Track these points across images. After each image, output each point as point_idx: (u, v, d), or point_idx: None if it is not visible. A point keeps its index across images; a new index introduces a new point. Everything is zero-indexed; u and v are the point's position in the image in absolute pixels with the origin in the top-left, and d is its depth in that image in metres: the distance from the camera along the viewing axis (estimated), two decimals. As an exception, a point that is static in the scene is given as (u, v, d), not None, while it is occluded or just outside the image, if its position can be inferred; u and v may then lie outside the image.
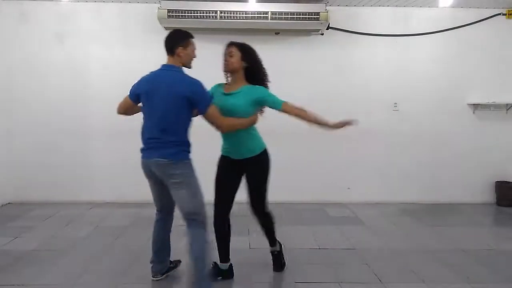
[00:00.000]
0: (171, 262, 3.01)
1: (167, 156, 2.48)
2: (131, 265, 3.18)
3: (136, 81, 2.66)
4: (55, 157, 4.97)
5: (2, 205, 4.85)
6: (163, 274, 2.93)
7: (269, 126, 5.01)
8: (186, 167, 2.55)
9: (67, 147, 4.96)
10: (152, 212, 4.56)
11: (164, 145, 2.50)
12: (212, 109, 2.52)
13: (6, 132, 4.88)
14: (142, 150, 2.63)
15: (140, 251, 3.42)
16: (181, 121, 2.54)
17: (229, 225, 2.93)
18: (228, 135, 2.76)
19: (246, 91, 2.73)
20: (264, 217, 2.98)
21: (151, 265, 2.90)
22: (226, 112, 2.62)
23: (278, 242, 3.14)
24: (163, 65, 2.60)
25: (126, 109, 2.76)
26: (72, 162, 5.00)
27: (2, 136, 4.86)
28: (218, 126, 2.60)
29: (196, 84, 2.50)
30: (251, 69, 2.82)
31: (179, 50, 2.55)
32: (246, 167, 2.84)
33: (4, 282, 2.84)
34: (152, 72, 2.62)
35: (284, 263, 3.14)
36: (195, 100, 2.47)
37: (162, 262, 2.91)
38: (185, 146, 2.58)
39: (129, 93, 2.67)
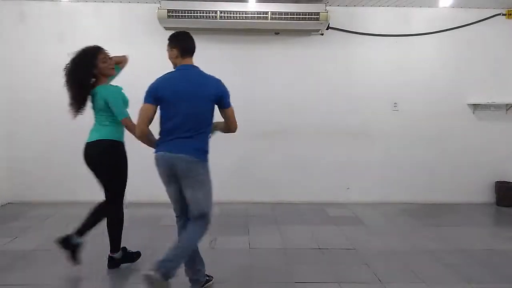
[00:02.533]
0: (207, 275, 2.82)
1: (196, 154, 2.49)
2: (131, 265, 3.17)
3: (152, 85, 2.56)
4: (55, 157, 4.97)
5: (2, 205, 4.85)
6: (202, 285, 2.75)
7: (269, 127, 5.05)
8: (206, 168, 2.59)
9: (67, 147, 4.95)
10: (151, 212, 4.58)
11: (192, 143, 2.50)
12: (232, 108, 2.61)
13: (6, 132, 4.88)
14: (164, 145, 2.54)
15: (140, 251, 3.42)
16: (209, 120, 2.58)
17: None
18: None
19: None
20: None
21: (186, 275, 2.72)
22: None
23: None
24: (185, 65, 2.59)
25: (149, 120, 2.53)
26: (72, 162, 4.97)
27: (2, 136, 4.86)
28: (234, 125, 2.68)
29: (221, 82, 2.59)
30: None
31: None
32: None
33: (4, 282, 2.84)
34: (170, 73, 2.61)
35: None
36: (222, 97, 2.55)
37: (198, 271, 2.70)
38: (207, 147, 2.60)
39: (147, 99, 2.53)
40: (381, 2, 4.78)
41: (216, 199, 4.92)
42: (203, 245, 3.56)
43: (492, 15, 5.00)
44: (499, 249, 3.62)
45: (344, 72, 5.03)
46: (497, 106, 5.12)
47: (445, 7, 4.91)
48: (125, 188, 3.06)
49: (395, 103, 5.10)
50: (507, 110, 5.14)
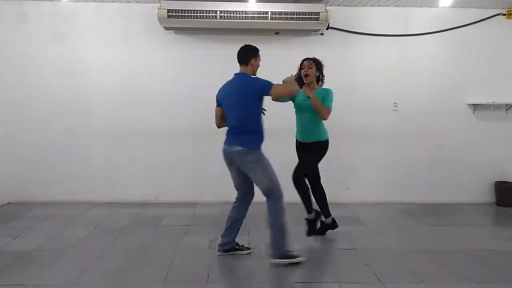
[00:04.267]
0: (237, 244, 3.39)
1: (243, 144, 3.10)
2: (130, 265, 3.17)
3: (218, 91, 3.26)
4: (55, 157, 4.97)
5: (2, 205, 4.85)
6: (225, 251, 3.33)
7: (270, 127, 5.04)
8: (258, 154, 3.17)
9: (67, 147, 4.96)
10: (152, 213, 4.59)
11: (238, 136, 3.15)
12: (274, 88, 3.06)
13: (6, 132, 4.88)
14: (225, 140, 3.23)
15: (140, 251, 3.42)
16: (252, 114, 3.15)
17: (306, 186, 3.83)
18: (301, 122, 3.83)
19: (319, 94, 3.60)
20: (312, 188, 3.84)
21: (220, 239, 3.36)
22: (306, 109, 3.66)
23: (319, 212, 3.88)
24: (236, 73, 3.20)
25: (221, 117, 3.29)
26: (72, 162, 5.00)
27: (2, 136, 4.86)
28: (287, 93, 3.29)
29: (256, 79, 3.13)
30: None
31: (252, 61, 3.19)
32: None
33: (4, 282, 2.84)
34: (228, 80, 3.22)
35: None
36: (259, 90, 3.06)
37: (228, 238, 3.33)
38: (257, 135, 3.21)
39: (216, 102, 3.29)
40: (381, 2, 4.78)
41: (217, 199, 4.98)
42: (203, 245, 3.59)
43: (492, 15, 4.99)
44: (499, 249, 3.61)
45: (344, 72, 5.02)
46: (497, 106, 5.12)
47: (445, 7, 4.90)
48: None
49: (395, 103, 5.10)
50: (507, 110, 5.14)
